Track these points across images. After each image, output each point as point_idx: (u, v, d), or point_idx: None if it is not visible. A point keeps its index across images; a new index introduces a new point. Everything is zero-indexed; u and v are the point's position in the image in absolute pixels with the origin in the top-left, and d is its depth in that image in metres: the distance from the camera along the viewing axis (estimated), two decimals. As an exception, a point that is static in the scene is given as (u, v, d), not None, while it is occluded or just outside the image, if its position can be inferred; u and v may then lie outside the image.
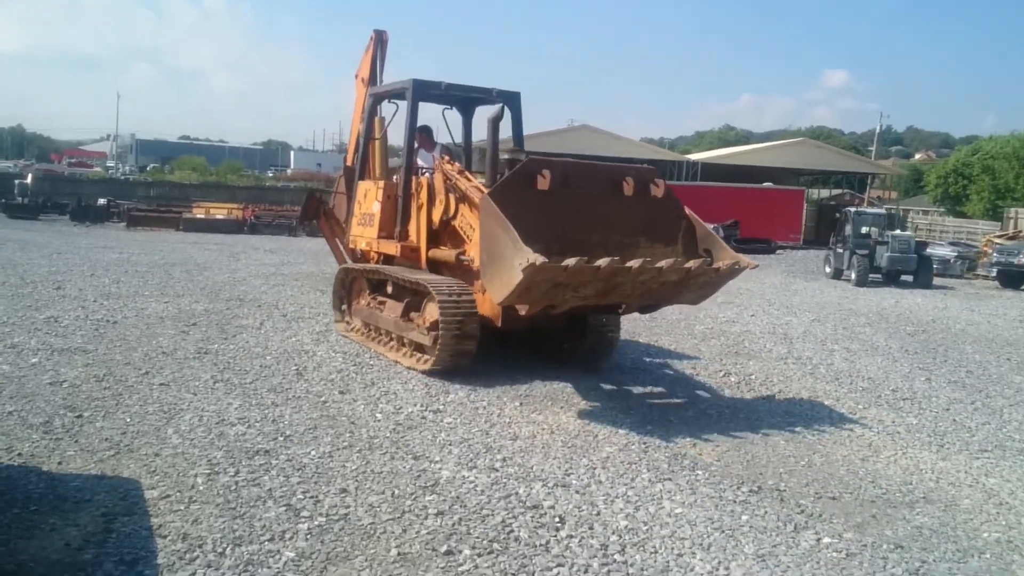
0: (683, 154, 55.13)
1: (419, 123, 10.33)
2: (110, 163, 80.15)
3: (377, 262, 10.41)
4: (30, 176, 41.56)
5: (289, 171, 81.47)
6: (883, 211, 27.16)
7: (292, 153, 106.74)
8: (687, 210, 8.29)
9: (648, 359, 10.08)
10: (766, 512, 5.27)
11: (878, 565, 4.62)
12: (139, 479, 5.16)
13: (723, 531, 4.92)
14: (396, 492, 5.19)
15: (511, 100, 10.14)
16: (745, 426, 7.27)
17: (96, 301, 11.88)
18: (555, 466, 5.88)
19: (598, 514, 5.05)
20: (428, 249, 9.40)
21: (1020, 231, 32.36)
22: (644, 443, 6.56)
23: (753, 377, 9.30)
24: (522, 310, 7.48)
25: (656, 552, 4.56)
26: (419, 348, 8.80)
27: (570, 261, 6.50)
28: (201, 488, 5.06)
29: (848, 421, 7.68)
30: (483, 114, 9.28)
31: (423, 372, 8.43)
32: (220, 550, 4.26)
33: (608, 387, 8.44)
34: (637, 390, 8.42)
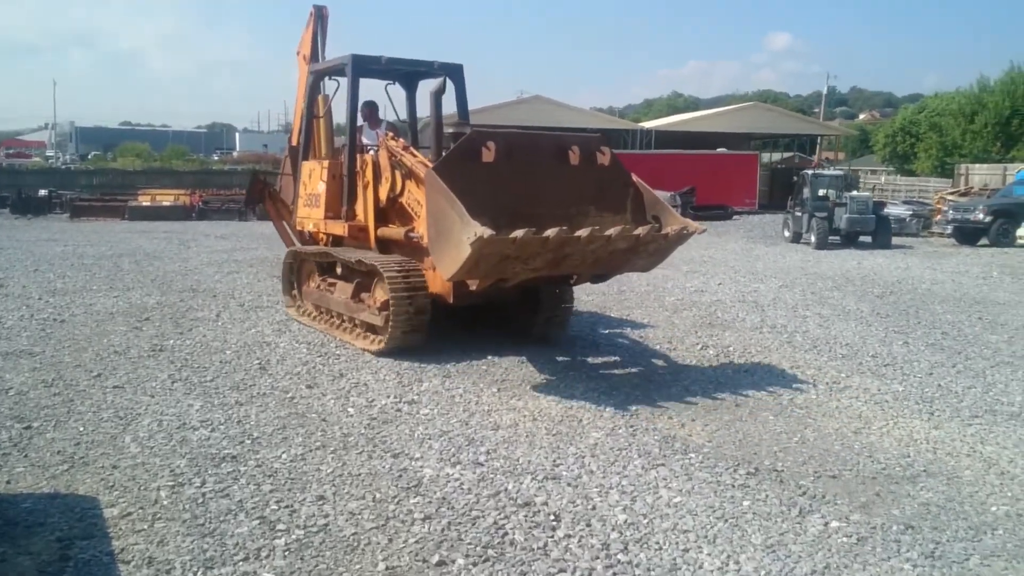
0: (634, 122, 54.97)
1: (365, 99, 10.16)
2: (50, 152, 77.78)
3: (326, 243, 10.17)
4: (-35, 169, 40.07)
5: (235, 154, 79.70)
6: (840, 173, 27.17)
7: (237, 135, 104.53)
8: (634, 177, 8.24)
9: (622, 335, 9.81)
10: (767, 496, 5.02)
11: (892, 549, 4.39)
12: (96, 496, 4.75)
13: (726, 520, 4.65)
14: (377, 496, 4.85)
15: (454, 73, 9.94)
16: (731, 402, 7.03)
17: (41, 298, 11.30)
18: (542, 456, 5.57)
19: (594, 508, 4.75)
20: (376, 228, 9.26)
21: (972, 187, 32.67)
22: (631, 426, 6.27)
23: (731, 349, 9.07)
24: (473, 285, 7.50)
25: (661, 548, 4.28)
26: (371, 329, 8.70)
27: (518, 233, 6.44)
28: (165, 503, 4.67)
29: (834, 391, 7.48)
30: (428, 88, 9.08)
31: (375, 353, 8.31)
32: (191, 575, 3.89)
33: (587, 366, 8.15)
34: (616, 370, 8.14)
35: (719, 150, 41.94)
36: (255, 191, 12.59)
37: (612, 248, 7.15)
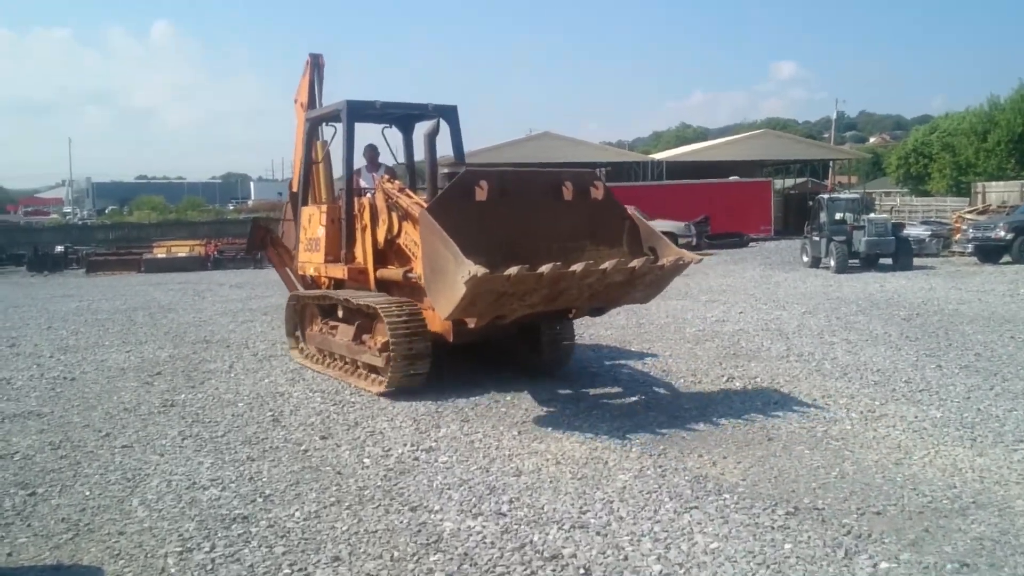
0: (644, 155, 54.93)
1: (367, 143, 10.49)
2: (67, 209, 78.54)
3: (328, 287, 10.22)
4: (-18, 229, 40.36)
5: (250, 202, 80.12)
6: (857, 196, 26.90)
7: (252, 184, 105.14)
8: (629, 210, 8.36)
9: (644, 369, 9.52)
10: (809, 537, 4.72)
11: (948, 591, 4.09)
12: (101, 566, 4.51)
13: (768, 566, 4.35)
14: (395, 554, 4.58)
15: (447, 114, 10.10)
16: (763, 436, 6.73)
17: (52, 356, 11.14)
18: (568, 503, 5.30)
19: (626, 559, 4.46)
20: (376, 270, 9.31)
21: (990, 205, 32.28)
22: (660, 466, 5.99)
23: (758, 380, 8.77)
24: (471, 323, 7.55)
25: (700, 601, 3.99)
26: (373, 369, 8.71)
27: (512, 270, 6.48)
28: (173, 571, 4.42)
29: (869, 420, 7.17)
30: (423, 131, 9.23)
31: (378, 394, 8.30)
32: (198, 650, 3.63)
33: (609, 404, 7.87)
34: (640, 406, 7.84)
35: (731, 178, 41.72)
36: (256, 238, 12.67)
37: (608, 281, 7.21)
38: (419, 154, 11.37)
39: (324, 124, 10.98)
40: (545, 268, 6.64)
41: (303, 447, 6.65)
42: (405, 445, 6.63)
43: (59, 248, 35.25)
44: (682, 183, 39.71)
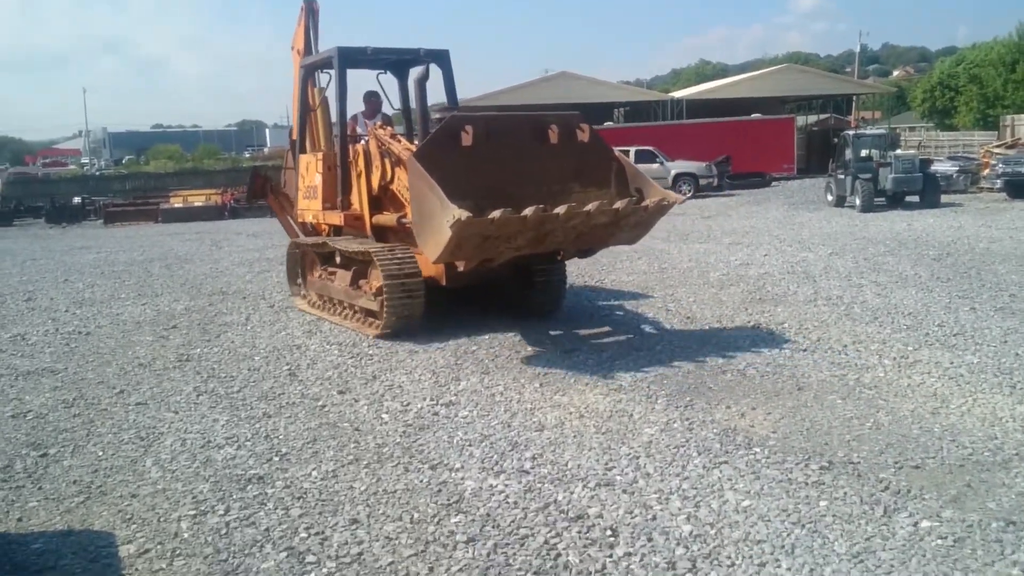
0: (664, 93, 54.00)
1: (368, 90, 10.43)
2: (84, 160, 78.52)
3: (327, 234, 10.36)
4: (0, 181, 40.31)
5: (266, 150, 79.70)
6: (883, 132, 26.26)
7: (267, 131, 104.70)
8: (616, 152, 8.46)
9: (668, 316, 9.29)
10: (845, 493, 4.52)
11: (994, 551, 3.87)
12: (113, 531, 4.38)
13: (803, 525, 4.16)
14: (415, 516, 4.42)
15: (440, 59, 9.96)
16: (793, 386, 6.50)
17: (68, 310, 11.04)
18: (592, 459, 5.12)
19: (654, 519, 4.28)
20: (371, 216, 9.39)
21: (1019, 138, 31.46)
22: (687, 419, 5.79)
23: (786, 326, 8.52)
24: (460, 266, 7.86)
25: (734, 565, 3.80)
26: (369, 314, 8.94)
27: (496, 213, 6.62)
28: (186, 536, 4.28)
29: (903, 367, 6.92)
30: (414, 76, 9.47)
31: (375, 336, 8.55)
32: (211, 622, 3.50)
33: (633, 354, 7.65)
34: (665, 356, 7.61)
35: (753, 116, 40.85)
36: (256, 187, 12.70)
37: (593, 223, 7.35)
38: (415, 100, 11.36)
39: (319, 71, 10.94)
40: (528, 211, 6.77)
41: (320, 402, 6.50)
42: (424, 399, 6.46)
43: (76, 199, 35.27)
44: (702, 122, 38.95)
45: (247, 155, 76.77)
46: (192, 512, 4.56)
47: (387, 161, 8.97)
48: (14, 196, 38.64)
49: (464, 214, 6.42)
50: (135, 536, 4.31)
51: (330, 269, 9.96)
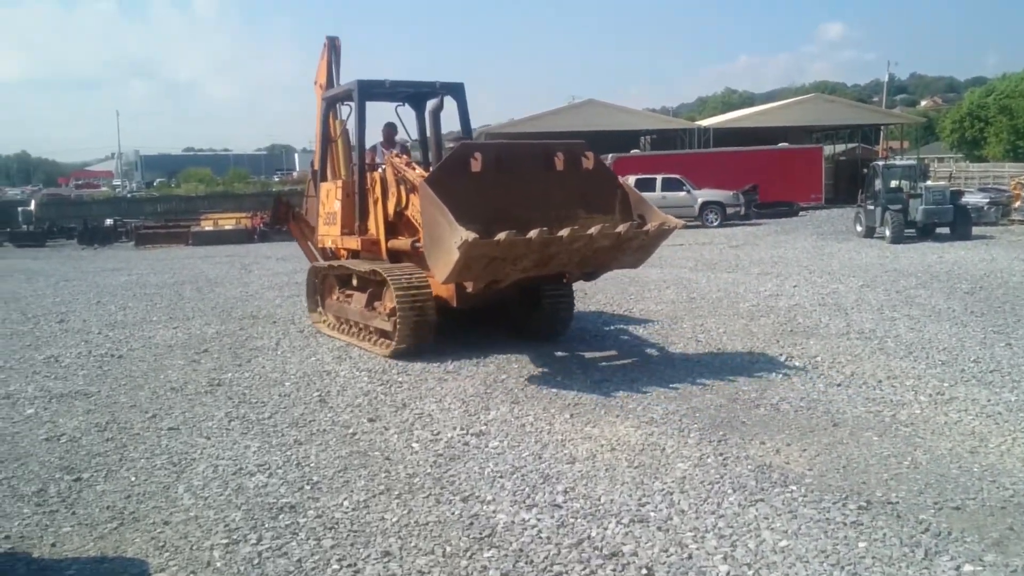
0: (690, 121, 53.98)
1: (387, 121, 10.97)
2: (116, 182, 79.58)
3: (345, 258, 10.72)
4: (34, 202, 40.90)
5: (295, 174, 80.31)
6: (913, 162, 26.08)
7: (296, 155, 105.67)
8: (620, 179, 8.82)
9: (699, 347, 9.23)
10: (885, 535, 4.44)
11: (1040, 598, 3.79)
12: (146, 558, 4.38)
13: (842, 568, 4.08)
14: (448, 549, 4.39)
15: (455, 91, 10.44)
16: (828, 421, 6.42)
17: (100, 333, 11.15)
18: (626, 494, 5.07)
19: (690, 558, 4.23)
20: (387, 240, 9.75)
21: (1052, 170, 31.16)
22: (720, 454, 5.73)
23: (819, 360, 8.43)
24: (469, 287, 8.02)
25: (772, 607, 3.74)
26: (383, 334, 9.24)
27: (501, 235, 6.94)
28: (219, 565, 4.28)
29: (939, 404, 6.82)
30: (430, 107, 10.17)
31: (387, 356, 8.87)
32: (244, 655, 3.48)
33: (664, 386, 7.60)
34: (696, 388, 7.55)
35: (780, 145, 40.73)
36: (279, 213, 13.26)
37: (596, 246, 7.63)
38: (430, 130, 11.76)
39: (340, 103, 11.25)
40: (533, 233, 7.07)
41: (350, 430, 6.50)
42: (455, 429, 6.45)
43: (109, 221, 35.72)
44: (729, 150, 38.86)
45: (276, 179, 77.44)
46: (224, 541, 4.55)
47: (402, 188, 9.31)
48: (47, 217, 39.19)
49: (471, 235, 6.72)
50: (167, 564, 4.31)
51: (347, 292, 10.30)
